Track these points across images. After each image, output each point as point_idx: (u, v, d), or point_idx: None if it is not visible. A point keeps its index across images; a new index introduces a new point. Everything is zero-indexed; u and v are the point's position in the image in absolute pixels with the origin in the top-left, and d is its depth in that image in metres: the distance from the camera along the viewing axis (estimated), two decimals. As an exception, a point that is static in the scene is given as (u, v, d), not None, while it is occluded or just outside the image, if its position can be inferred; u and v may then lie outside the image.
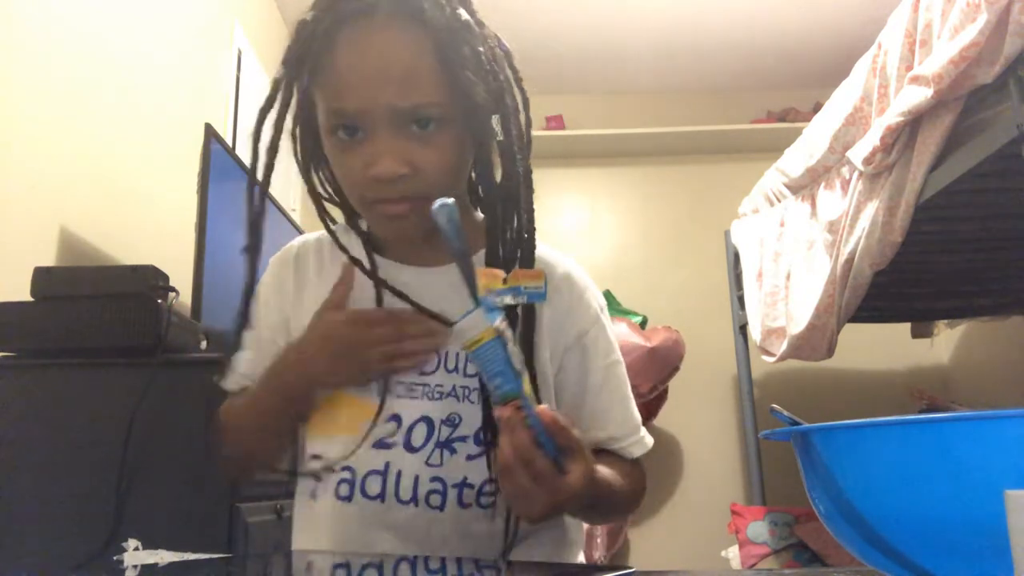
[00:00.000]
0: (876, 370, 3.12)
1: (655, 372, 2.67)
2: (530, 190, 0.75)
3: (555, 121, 3.35)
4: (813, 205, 2.12)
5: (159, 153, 1.83)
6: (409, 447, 0.74)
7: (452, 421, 0.75)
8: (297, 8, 0.75)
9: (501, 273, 0.60)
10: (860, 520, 0.47)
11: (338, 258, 0.79)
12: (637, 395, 3.05)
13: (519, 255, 0.74)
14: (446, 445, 0.74)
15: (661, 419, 2.95)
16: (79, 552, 1.07)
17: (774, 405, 0.60)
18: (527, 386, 0.59)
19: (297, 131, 0.76)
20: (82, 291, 1.22)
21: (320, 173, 0.79)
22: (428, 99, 0.68)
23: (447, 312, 0.70)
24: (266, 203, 0.75)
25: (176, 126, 1.89)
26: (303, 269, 0.84)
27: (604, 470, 0.72)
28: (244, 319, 0.74)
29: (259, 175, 0.73)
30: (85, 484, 1.15)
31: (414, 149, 0.69)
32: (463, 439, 0.74)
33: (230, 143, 2.18)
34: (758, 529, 2.46)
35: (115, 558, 0.62)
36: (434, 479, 0.74)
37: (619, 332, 2.69)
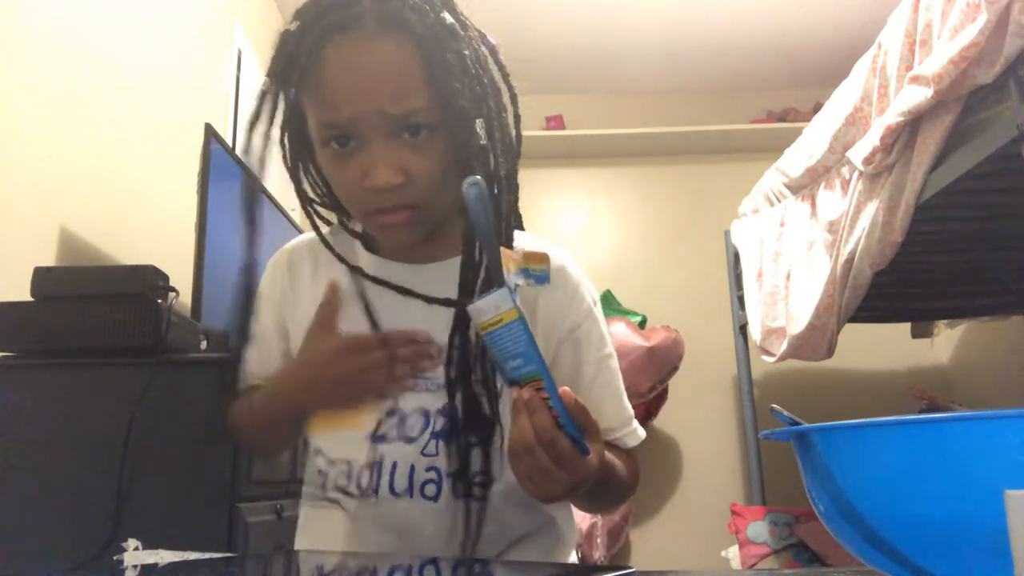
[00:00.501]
0: (876, 370, 3.12)
1: (654, 372, 2.67)
2: (513, 194, 0.75)
3: (555, 121, 3.35)
4: (813, 205, 2.12)
5: (159, 153, 1.83)
6: (405, 438, 0.76)
7: (446, 411, 0.75)
8: (297, 8, 0.75)
9: (518, 255, 0.60)
10: (860, 520, 0.47)
11: (333, 260, 0.80)
12: (637, 395, 3.06)
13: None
14: (441, 436, 0.75)
15: (661, 419, 2.95)
16: (79, 552, 1.07)
17: (774, 405, 0.60)
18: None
19: (286, 140, 0.77)
20: (82, 291, 1.22)
21: (310, 177, 0.80)
22: (418, 106, 0.68)
23: (433, 327, 0.71)
24: (260, 213, 0.76)
25: (176, 126, 1.89)
26: (297, 272, 0.85)
27: (609, 455, 0.73)
28: (243, 334, 0.76)
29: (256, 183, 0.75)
30: (85, 484, 1.15)
31: (407, 157, 0.69)
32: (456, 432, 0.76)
33: (230, 143, 2.18)
34: (758, 529, 2.46)
35: (115, 558, 0.62)
36: (429, 468, 0.75)
37: (618, 332, 2.69)
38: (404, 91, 0.68)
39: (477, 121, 0.71)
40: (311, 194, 0.80)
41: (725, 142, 3.32)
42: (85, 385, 1.22)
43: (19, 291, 1.21)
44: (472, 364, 0.71)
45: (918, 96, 1.50)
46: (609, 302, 3.05)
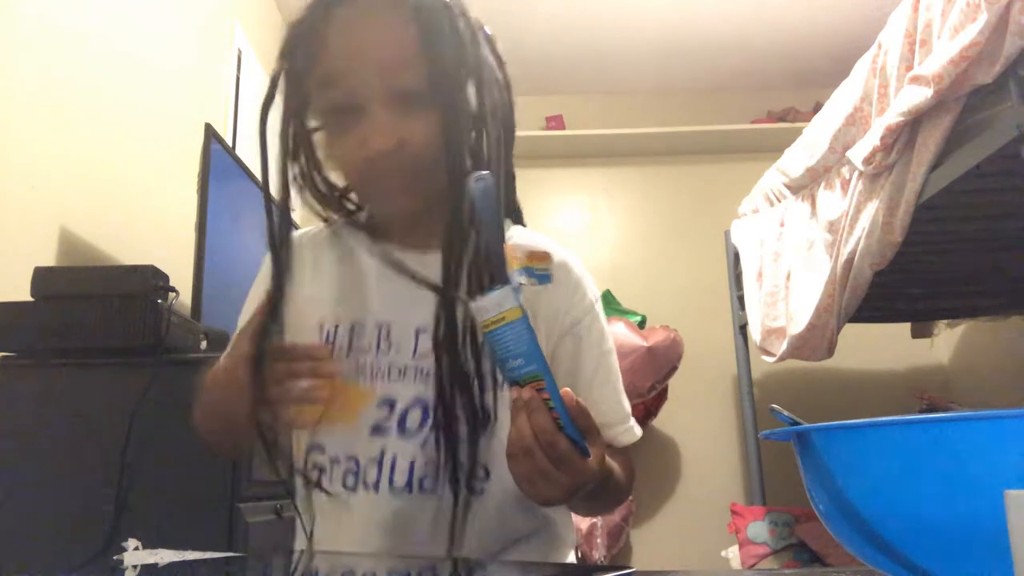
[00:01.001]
0: (876, 370, 3.12)
1: (653, 371, 2.67)
2: (510, 183, 0.78)
3: (555, 121, 3.35)
4: (813, 205, 2.12)
5: (159, 153, 1.83)
6: (403, 432, 0.76)
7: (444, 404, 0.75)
8: (297, 9, 0.75)
9: (522, 252, 0.60)
10: (860, 520, 0.47)
11: (334, 253, 0.81)
12: (636, 394, 3.06)
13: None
14: (440, 428, 0.74)
15: (661, 419, 2.95)
16: (79, 552, 1.07)
17: (774, 405, 0.60)
18: None
19: (290, 126, 0.77)
20: (82, 291, 1.22)
21: (309, 166, 0.79)
22: (415, 76, 0.71)
23: (430, 305, 0.72)
24: (288, 201, 0.76)
25: (176, 126, 1.89)
26: (298, 264, 0.83)
27: (608, 458, 0.72)
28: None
29: (269, 174, 0.74)
30: (85, 484, 1.15)
31: (403, 124, 0.71)
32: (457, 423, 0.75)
33: (230, 143, 2.18)
34: (758, 529, 2.46)
35: (115, 558, 0.62)
36: (428, 463, 0.75)
37: (617, 331, 2.69)
38: (401, 62, 0.70)
39: (470, 88, 0.74)
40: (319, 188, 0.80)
41: (725, 142, 3.32)
42: (85, 385, 1.22)
43: (19, 291, 1.21)
44: (462, 353, 0.71)
45: (918, 96, 1.50)
46: (609, 302, 3.05)
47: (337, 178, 0.82)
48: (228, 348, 0.81)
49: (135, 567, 0.61)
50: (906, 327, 2.86)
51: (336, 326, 0.80)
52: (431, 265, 0.74)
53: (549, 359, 0.78)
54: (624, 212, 3.40)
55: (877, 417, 0.46)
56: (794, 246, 2.21)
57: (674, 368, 2.75)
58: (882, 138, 1.64)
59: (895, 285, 2.26)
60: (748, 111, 3.41)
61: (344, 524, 0.77)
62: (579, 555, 2.58)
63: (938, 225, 1.85)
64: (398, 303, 0.78)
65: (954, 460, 0.42)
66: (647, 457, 3.02)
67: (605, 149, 3.40)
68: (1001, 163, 1.42)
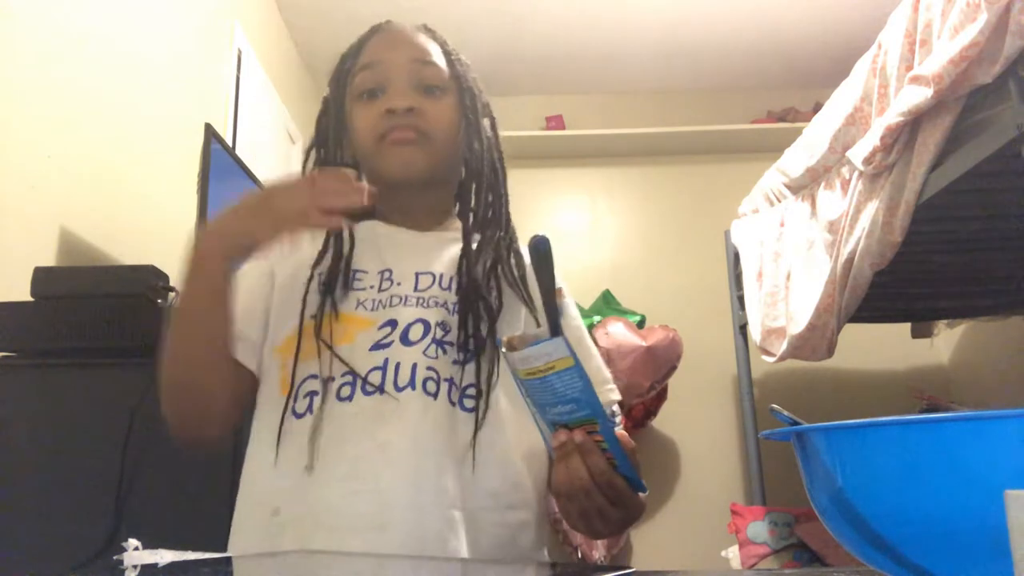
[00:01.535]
0: (876, 370, 3.12)
1: (653, 371, 2.67)
2: (504, 171, 0.95)
3: (555, 121, 3.35)
4: (813, 205, 2.12)
5: (159, 153, 1.83)
6: (406, 341, 0.81)
7: (445, 327, 0.83)
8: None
9: (561, 290, 0.67)
10: (860, 520, 0.47)
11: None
12: (635, 394, 3.05)
13: (491, 214, 0.92)
14: (440, 343, 0.82)
15: (661, 419, 2.95)
16: (79, 552, 1.07)
17: (774, 405, 0.60)
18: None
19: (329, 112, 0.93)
20: (82, 291, 1.22)
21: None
22: (436, 73, 0.89)
23: (431, 255, 0.88)
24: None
25: (176, 126, 1.89)
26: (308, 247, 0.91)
27: None
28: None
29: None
30: (85, 484, 1.15)
31: (422, 99, 0.87)
32: (452, 344, 0.82)
33: (230, 143, 2.18)
34: (758, 529, 2.46)
35: (115, 558, 0.62)
36: (430, 368, 0.80)
37: (616, 331, 2.70)
38: (425, 60, 0.89)
39: (484, 120, 0.92)
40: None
41: (725, 142, 3.32)
42: (85, 385, 1.22)
43: (19, 291, 1.21)
44: (479, 292, 0.83)
45: (918, 96, 1.50)
46: (608, 302, 3.05)
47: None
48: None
49: (135, 567, 0.61)
50: (906, 327, 2.86)
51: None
52: (424, 242, 0.90)
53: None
54: (624, 212, 3.40)
55: (877, 417, 0.46)
56: (794, 246, 2.21)
57: (673, 368, 2.75)
58: (882, 138, 1.63)
59: (895, 285, 2.26)
60: (748, 111, 3.41)
61: (349, 426, 0.79)
62: (579, 555, 2.58)
63: (938, 225, 1.85)
64: (398, 254, 0.89)
65: (954, 460, 0.42)
66: (647, 457, 3.01)
67: (605, 149, 3.40)
68: (1001, 163, 1.42)
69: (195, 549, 0.66)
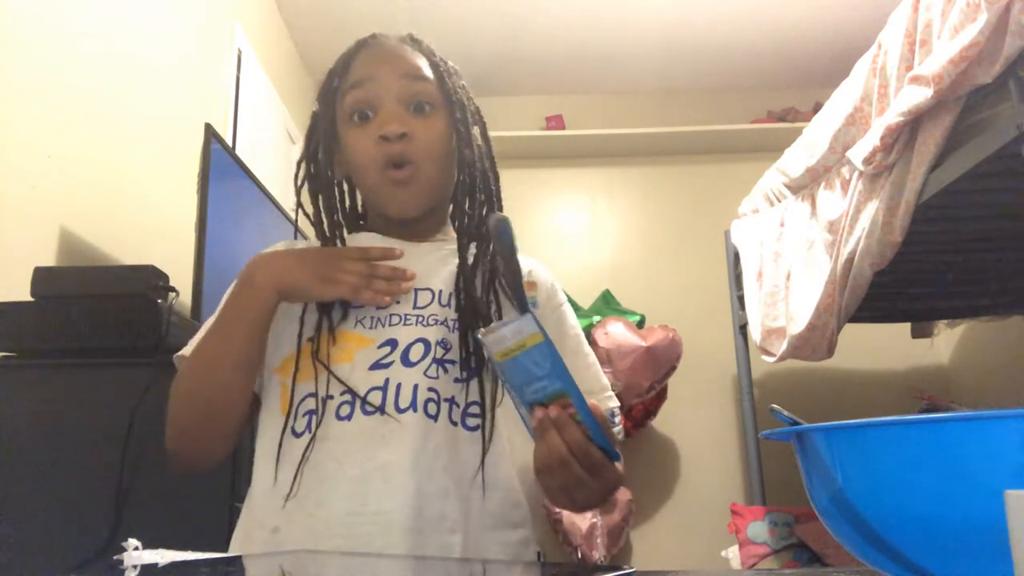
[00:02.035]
0: (876, 370, 3.12)
1: (652, 371, 2.67)
2: (496, 175, 0.96)
3: (555, 121, 3.35)
4: (813, 205, 2.12)
5: (159, 153, 1.83)
6: (407, 362, 0.81)
7: (445, 344, 0.83)
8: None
9: (534, 283, 0.67)
10: (860, 520, 0.47)
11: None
12: (635, 394, 3.05)
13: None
14: (441, 363, 0.82)
15: (661, 419, 2.95)
16: (79, 552, 1.07)
17: (774, 405, 0.60)
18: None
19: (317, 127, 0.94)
20: (82, 291, 1.22)
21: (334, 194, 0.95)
22: (425, 87, 0.90)
23: (429, 268, 0.88)
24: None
25: (176, 126, 1.89)
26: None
27: None
28: None
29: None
30: (85, 484, 1.15)
31: (412, 121, 0.88)
32: (453, 363, 0.83)
33: (230, 143, 2.18)
34: (758, 529, 2.46)
35: (115, 558, 0.62)
36: (431, 389, 0.80)
37: (615, 332, 2.70)
38: (415, 69, 0.90)
39: (474, 128, 0.93)
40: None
41: (725, 142, 3.32)
42: (85, 385, 1.22)
43: (19, 291, 1.21)
44: (478, 310, 0.84)
45: (918, 96, 1.50)
46: (608, 302, 3.05)
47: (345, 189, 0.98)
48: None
49: (135, 567, 0.61)
50: (906, 327, 2.86)
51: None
52: (420, 252, 0.89)
53: None
54: (624, 212, 3.40)
55: (877, 417, 0.46)
56: (794, 246, 2.21)
57: (673, 368, 2.75)
58: (882, 138, 1.63)
59: (895, 285, 2.26)
60: (748, 111, 3.41)
61: (342, 453, 0.78)
62: (579, 555, 2.58)
63: (938, 225, 1.85)
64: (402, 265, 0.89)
65: (954, 460, 0.42)
66: (647, 457, 3.02)
67: (605, 149, 3.40)
68: (1001, 163, 1.42)
69: (195, 549, 0.66)
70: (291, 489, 0.78)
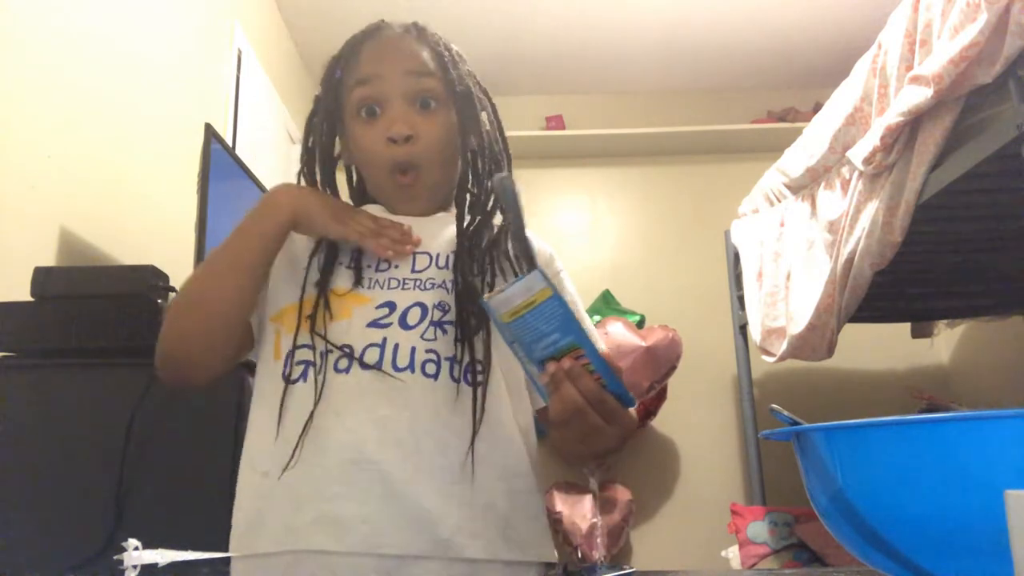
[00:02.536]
0: (876, 370, 3.12)
1: (652, 371, 2.67)
2: (508, 155, 0.97)
3: (555, 121, 3.35)
4: (813, 205, 2.12)
5: (159, 153, 1.83)
6: (404, 325, 0.83)
7: (443, 307, 0.84)
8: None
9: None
10: (860, 520, 0.47)
11: None
12: (635, 394, 3.04)
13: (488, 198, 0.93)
14: (438, 325, 0.83)
15: (661, 419, 2.95)
16: (79, 552, 1.07)
17: (774, 405, 0.61)
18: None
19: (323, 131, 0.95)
20: (82, 291, 1.22)
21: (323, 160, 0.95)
22: (430, 83, 0.90)
23: (426, 234, 0.89)
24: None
25: (176, 126, 1.89)
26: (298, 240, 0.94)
27: None
28: None
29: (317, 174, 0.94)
30: (85, 484, 1.15)
31: (418, 120, 0.89)
32: (452, 323, 0.84)
33: (230, 143, 2.18)
34: (758, 529, 2.47)
35: (115, 558, 0.62)
36: (429, 351, 0.81)
37: (615, 331, 2.69)
38: (419, 71, 0.90)
39: (482, 113, 0.93)
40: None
41: (725, 142, 3.32)
42: (85, 385, 1.22)
43: (19, 291, 1.21)
44: (476, 270, 0.86)
45: (918, 96, 1.50)
46: (608, 302, 3.04)
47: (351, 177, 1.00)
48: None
49: (135, 567, 0.61)
50: (906, 327, 2.86)
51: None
52: (423, 226, 0.90)
53: None
54: (624, 212, 3.40)
55: (877, 417, 0.46)
56: (794, 246, 2.21)
57: (673, 368, 2.75)
58: (882, 138, 1.63)
59: (895, 285, 2.26)
60: (748, 111, 3.41)
61: (347, 397, 0.80)
62: (579, 555, 2.58)
63: (938, 225, 1.85)
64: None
65: (954, 460, 0.42)
66: (647, 457, 3.02)
67: (605, 149, 3.39)
68: (1001, 163, 1.42)
69: (195, 549, 0.66)
70: (288, 439, 0.79)
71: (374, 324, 0.82)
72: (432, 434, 0.79)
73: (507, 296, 0.61)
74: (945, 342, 3.11)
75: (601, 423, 0.66)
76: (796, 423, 0.54)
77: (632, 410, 0.69)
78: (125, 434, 1.13)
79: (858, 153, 1.76)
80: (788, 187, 2.29)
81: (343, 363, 0.81)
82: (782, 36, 3.09)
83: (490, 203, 0.93)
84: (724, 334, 2.89)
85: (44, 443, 1.18)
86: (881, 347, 3.03)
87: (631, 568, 0.67)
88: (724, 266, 2.88)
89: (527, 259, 0.65)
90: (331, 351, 0.81)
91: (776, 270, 2.34)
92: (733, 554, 2.52)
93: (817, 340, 2.10)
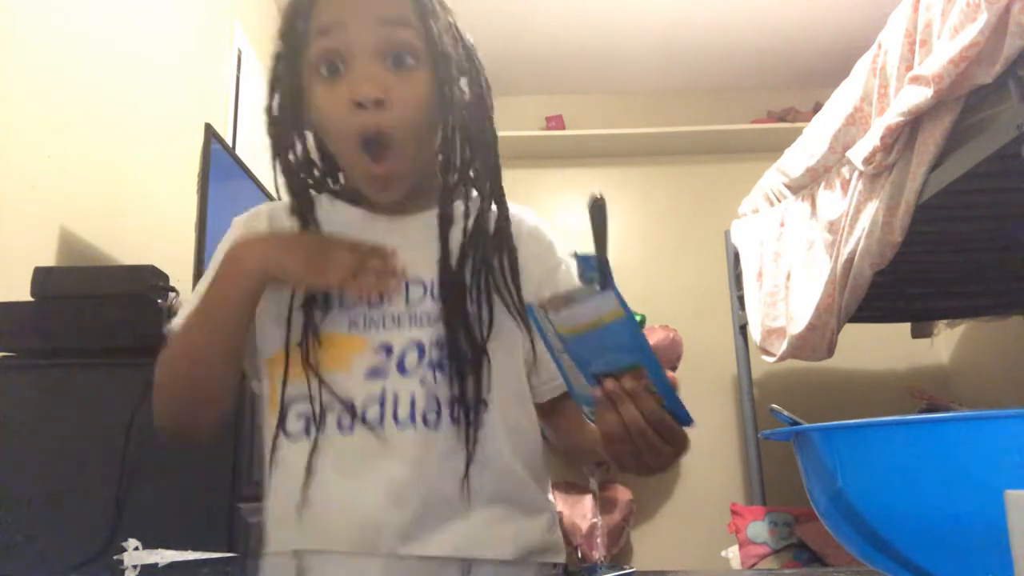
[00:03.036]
0: (876, 370, 3.12)
1: (655, 372, 2.67)
2: (495, 138, 0.84)
3: (555, 121, 3.35)
4: (813, 205, 2.12)
5: (159, 153, 1.83)
6: (403, 371, 0.78)
7: (440, 344, 0.78)
8: None
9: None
10: (860, 520, 0.47)
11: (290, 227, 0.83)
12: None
13: (474, 176, 0.83)
14: (437, 366, 0.78)
15: (661, 419, 2.95)
16: (79, 552, 1.07)
17: (774, 405, 0.61)
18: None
19: (276, 101, 0.82)
20: (82, 291, 1.22)
21: (296, 147, 0.84)
22: (405, 37, 0.75)
23: (417, 253, 0.79)
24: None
25: (176, 126, 1.89)
26: (277, 227, 0.87)
27: None
28: None
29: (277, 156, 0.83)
30: (85, 484, 1.15)
31: (391, 81, 0.74)
32: (449, 360, 0.78)
33: (230, 143, 2.17)
34: (758, 529, 2.47)
35: (115, 558, 0.62)
36: (429, 396, 0.77)
37: (619, 332, 2.69)
38: (392, 21, 0.75)
39: (462, 79, 0.80)
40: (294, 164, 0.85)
41: (725, 142, 3.32)
42: (85, 385, 1.22)
43: (19, 291, 1.21)
44: (465, 297, 0.79)
45: (918, 96, 1.50)
46: (609, 302, 3.04)
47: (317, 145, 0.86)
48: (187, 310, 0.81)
49: (135, 567, 0.61)
50: (906, 327, 2.86)
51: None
52: (404, 228, 0.82)
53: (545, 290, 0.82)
54: (624, 212, 3.40)
55: (877, 417, 0.46)
56: (794, 246, 2.21)
57: (673, 368, 2.75)
58: (882, 138, 1.63)
59: (895, 285, 2.26)
60: (748, 111, 3.41)
61: (350, 460, 0.77)
62: (579, 555, 2.58)
63: (938, 225, 1.85)
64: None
65: (954, 460, 0.42)
66: (647, 457, 3.01)
67: (605, 149, 3.40)
68: (1001, 163, 1.42)
69: (195, 549, 0.66)
70: (293, 493, 0.77)
71: (373, 373, 0.78)
72: (436, 489, 0.76)
73: (572, 313, 0.59)
74: (945, 342, 3.11)
75: (659, 442, 0.65)
76: (796, 423, 0.54)
77: (688, 428, 0.68)
78: (125, 434, 1.13)
79: (858, 153, 1.76)
80: (788, 187, 2.29)
81: (345, 420, 0.77)
82: (782, 36, 3.09)
83: (475, 178, 0.83)
84: (724, 334, 2.89)
85: (44, 443, 1.18)
86: (881, 347, 3.03)
87: (631, 568, 0.66)
88: (724, 266, 2.88)
89: (604, 278, 0.62)
90: (332, 408, 0.77)
91: (776, 270, 2.34)
92: (733, 554, 2.52)
93: (817, 340, 2.10)
